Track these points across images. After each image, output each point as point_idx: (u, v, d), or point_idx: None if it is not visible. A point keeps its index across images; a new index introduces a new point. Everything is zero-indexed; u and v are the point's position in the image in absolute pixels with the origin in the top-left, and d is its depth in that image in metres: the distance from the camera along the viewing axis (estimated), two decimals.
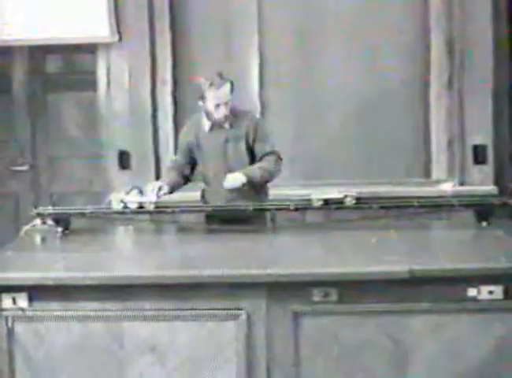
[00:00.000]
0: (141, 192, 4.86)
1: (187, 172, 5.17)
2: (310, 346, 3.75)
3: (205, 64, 6.58)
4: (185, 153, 5.14)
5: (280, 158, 5.01)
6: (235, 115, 4.97)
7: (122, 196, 4.82)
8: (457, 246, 4.35)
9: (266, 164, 4.95)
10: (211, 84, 4.84)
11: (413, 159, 6.60)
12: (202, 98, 4.88)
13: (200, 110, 5.00)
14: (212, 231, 4.84)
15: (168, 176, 5.14)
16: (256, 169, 4.92)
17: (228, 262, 3.95)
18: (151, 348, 3.77)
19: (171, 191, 4.99)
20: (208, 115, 4.94)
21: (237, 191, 4.89)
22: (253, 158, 5.02)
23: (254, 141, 4.99)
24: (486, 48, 6.24)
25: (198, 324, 3.74)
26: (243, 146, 4.99)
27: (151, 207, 4.76)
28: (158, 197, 4.80)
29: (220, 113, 4.88)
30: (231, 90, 4.90)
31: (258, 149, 5.00)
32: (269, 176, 4.97)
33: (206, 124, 5.00)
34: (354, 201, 4.69)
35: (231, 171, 4.91)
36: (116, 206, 4.78)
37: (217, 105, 4.86)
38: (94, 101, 6.64)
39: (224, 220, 4.85)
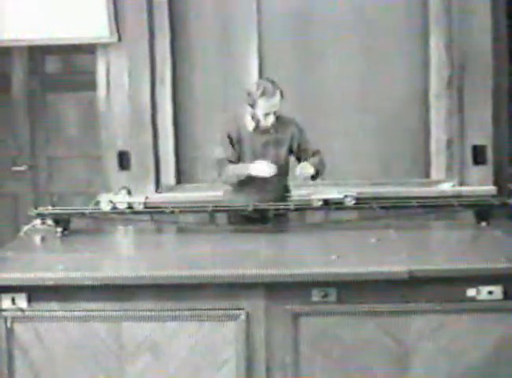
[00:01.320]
0: (129, 192, 4.86)
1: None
2: (310, 347, 3.75)
3: (205, 64, 6.58)
4: (231, 146, 5.04)
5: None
6: (279, 120, 4.99)
7: (111, 196, 4.82)
8: (456, 247, 4.36)
9: (318, 160, 5.02)
10: (263, 93, 4.84)
11: (413, 159, 6.59)
12: (252, 104, 4.88)
13: (238, 110, 5.03)
14: (211, 231, 4.84)
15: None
16: (317, 163, 4.98)
17: (227, 262, 3.96)
18: (151, 348, 3.77)
19: None
20: (254, 119, 4.95)
21: (268, 191, 4.95)
22: (298, 160, 5.07)
23: (298, 146, 5.07)
24: (485, 48, 6.23)
25: (197, 324, 3.75)
26: (283, 150, 5.06)
27: (140, 207, 4.76)
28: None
29: (268, 122, 4.91)
30: (281, 99, 4.90)
31: (304, 152, 5.08)
32: (323, 171, 5.06)
33: (251, 125, 5.00)
34: (353, 202, 4.69)
35: None
36: (105, 207, 4.77)
37: (267, 114, 4.88)
38: (94, 102, 6.62)
39: (247, 218, 4.85)
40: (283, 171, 5.06)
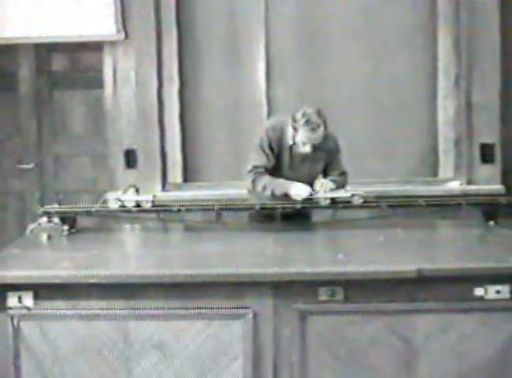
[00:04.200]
0: (137, 191, 4.85)
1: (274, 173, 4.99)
2: (317, 345, 3.74)
3: (212, 62, 6.58)
4: (271, 154, 4.92)
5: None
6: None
7: (119, 195, 4.81)
8: (464, 246, 4.34)
9: (339, 179, 4.95)
10: (307, 122, 4.70)
11: (421, 158, 6.58)
12: (295, 128, 4.75)
13: (283, 120, 4.92)
14: (218, 229, 4.83)
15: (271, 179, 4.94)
16: (338, 182, 4.90)
17: (234, 261, 3.96)
18: (157, 347, 3.76)
19: None
20: (293, 141, 4.84)
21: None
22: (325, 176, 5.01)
23: (330, 162, 5.00)
24: (493, 47, 6.22)
25: (204, 322, 3.74)
26: (319, 166, 4.99)
27: (148, 205, 4.75)
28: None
29: (305, 149, 4.80)
30: (324, 129, 4.78)
31: (332, 170, 5.00)
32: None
33: (290, 139, 4.87)
34: (361, 200, 4.67)
35: None
36: (113, 205, 4.76)
37: (305, 143, 4.77)
38: (101, 100, 6.62)
39: (268, 216, 4.84)
40: (313, 182, 4.94)
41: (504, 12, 6.22)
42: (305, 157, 4.91)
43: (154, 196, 4.81)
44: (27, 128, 6.98)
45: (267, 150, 4.90)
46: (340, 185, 4.91)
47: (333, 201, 4.70)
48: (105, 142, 6.64)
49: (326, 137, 4.86)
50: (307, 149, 4.79)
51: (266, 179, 4.86)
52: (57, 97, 6.95)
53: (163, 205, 4.83)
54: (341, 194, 4.74)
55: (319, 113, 4.74)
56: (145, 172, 6.47)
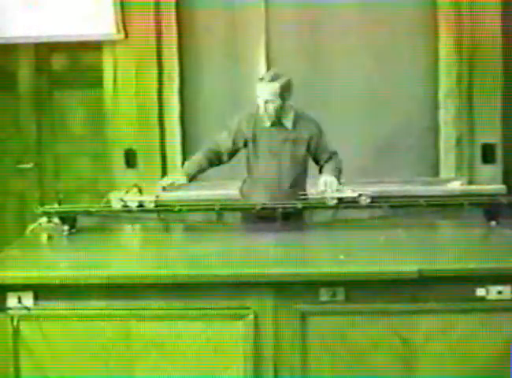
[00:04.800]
0: (140, 191, 4.84)
1: (224, 159, 5.09)
2: (318, 346, 3.73)
3: (213, 61, 6.57)
4: (234, 140, 5.01)
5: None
6: (299, 118, 4.95)
7: (121, 195, 4.79)
8: (465, 246, 4.32)
9: (335, 164, 4.99)
10: (262, 78, 4.83)
11: (422, 158, 6.58)
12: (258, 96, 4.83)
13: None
14: (219, 230, 4.82)
15: (198, 160, 5.08)
16: (336, 170, 4.94)
17: (235, 261, 3.94)
18: (158, 347, 3.75)
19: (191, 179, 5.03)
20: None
21: (283, 192, 4.92)
22: (316, 162, 5.08)
23: (316, 148, 5.00)
24: (495, 47, 6.22)
25: (205, 323, 3.73)
26: (301, 149, 4.98)
27: (151, 206, 4.74)
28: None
29: (267, 110, 4.82)
30: (286, 88, 4.83)
31: (321, 153, 5.03)
32: (340, 175, 4.99)
33: (268, 120, 4.92)
34: (368, 200, 4.65)
35: (282, 170, 4.96)
36: (116, 205, 4.75)
37: (266, 102, 4.80)
38: (101, 99, 6.63)
39: (261, 217, 4.79)
40: (299, 171, 5.04)
41: (506, 11, 6.21)
42: (285, 140, 4.93)
43: (157, 196, 4.80)
44: (27, 128, 6.98)
45: (230, 132, 5.01)
46: (338, 172, 4.93)
47: (340, 200, 4.68)
48: (105, 142, 6.63)
49: (306, 120, 4.96)
50: (269, 108, 4.80)
51: (191, 160, 5.11)
52: (57, 96, 6.95)
53: (164, 205, 4.81)
54: (348, 193, 4.71)
55: (279, 73, 4.85)
56: (145, 171, 6.47)
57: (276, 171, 4.98)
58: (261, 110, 4.85)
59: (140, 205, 4.74)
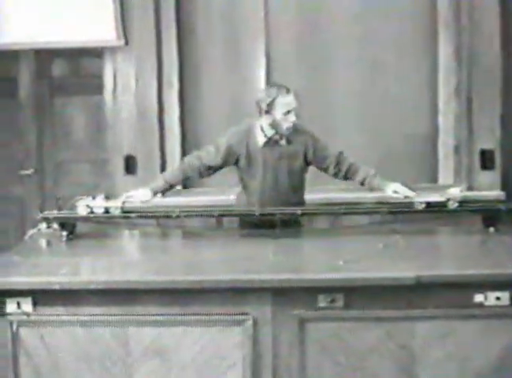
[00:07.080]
0: (107, 197, 4.84)
1: (205, 175, 5.02)
2: (316, 352, 3.73)
3: (212, 67, 6.58)
4: (224, 158, 4.90)
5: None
6: (292, 131, 4.82)
7: (88, 201, 4.79)
8: (464, 252, 4.33)
9: (369, 170, 4.95)
10: (279, 91, 4.71)
11: (421, 164, 6.59)
12: (269, 108, 4.70)
13: (249, 123, 4.92)
14: (218, 236, 4.83)
15: (174, 175, 5.01)
16: (378, 174, 4.93)
17: (233, 267, 3.94)
18: (157, 353, 3.76)
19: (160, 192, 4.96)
20: (274, 126, 4.77)
21: (282, 204, 4.84)
22: (324, 170, 4.98)
23: (314, 155, 4.89)
24: (494, 53, 6.23)
25: (203, 329, 3.73)
26: (297, 163, 4.90)
27: (117, 212, 4.73)
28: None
29: (290, 120, 4.72)
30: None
31: (324, 159, 4.92)
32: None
33: (261, 139, 4.85)
34: (456, 205, 4.68)
35: (279, 185, 4.90)
36: (83, 211, 4.74)
37: (288, 112, 4.70)
38: (101, 105, 6.63)
39: (258, 224, 4.78)
40: (297, 184, 4.98)
41: (505, 18, 6.22)
42: (281, 156, 4.85)
43: (124, 203, 4.78)
44: (28, 134, 6.98)
45: (218, 150, 4.89)
46: (376, 173, 4.92)
47: (429, 205, 4.69)
48: (105, 148, 6.64)
49: (299, 132, 4.84)
50: (292, 118, 4.72)
51: (168, 171, 5.16)
52: (58, 103, 6.96)
53: (163, 211, 4.82)
54: (436, 198, 4.71)
55: (285, 87, 4.77)
56: (145, 178, 6.46)
57: (273, 186, 4.91)
58: (286, 124, 4.74)
59: (106, 211, 4.73)
